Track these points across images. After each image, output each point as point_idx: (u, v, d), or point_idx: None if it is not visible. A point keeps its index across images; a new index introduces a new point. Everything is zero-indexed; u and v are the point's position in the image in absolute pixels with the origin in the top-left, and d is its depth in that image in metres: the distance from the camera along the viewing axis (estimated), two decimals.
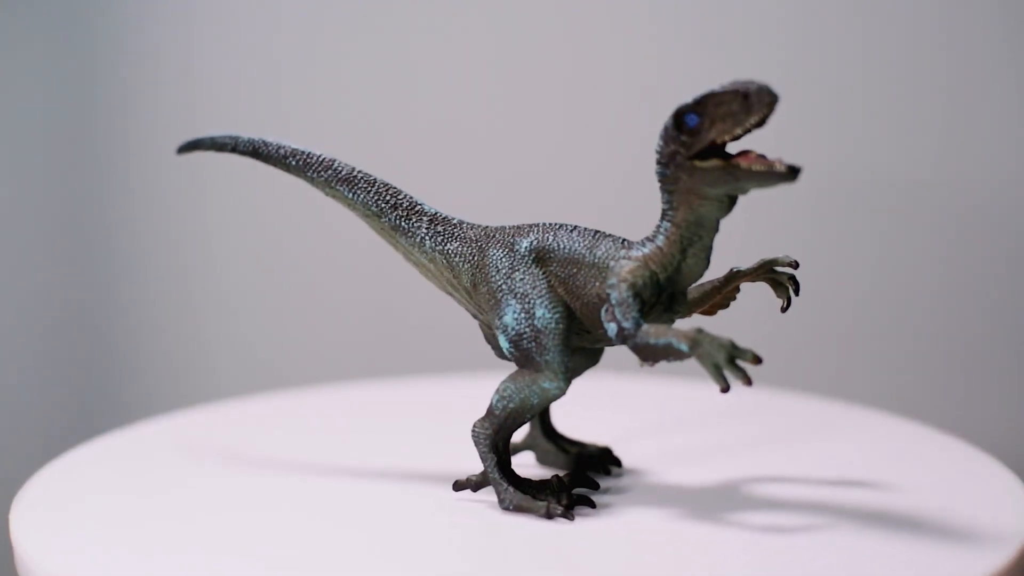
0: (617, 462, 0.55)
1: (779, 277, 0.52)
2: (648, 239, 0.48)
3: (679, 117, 0.46)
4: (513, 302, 0.48)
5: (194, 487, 0.54)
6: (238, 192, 0.98)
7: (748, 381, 0.44)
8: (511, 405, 0.48)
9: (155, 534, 0.47)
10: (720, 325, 0.56)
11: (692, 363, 0.47)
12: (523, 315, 0.48)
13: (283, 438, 0.63)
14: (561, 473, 0.53)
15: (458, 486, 0.51)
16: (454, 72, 0.95)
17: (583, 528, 0.47)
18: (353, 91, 0.96)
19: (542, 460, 0.55)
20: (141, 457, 0.60)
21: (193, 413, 0.68)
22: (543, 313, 0.47)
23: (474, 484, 0.50)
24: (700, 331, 0.44)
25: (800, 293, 0.52)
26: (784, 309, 0.52)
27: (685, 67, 0.90)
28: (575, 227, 0.49)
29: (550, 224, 0.49)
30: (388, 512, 0.50)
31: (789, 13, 0.88)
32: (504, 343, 0.48)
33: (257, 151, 0.52)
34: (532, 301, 0.48)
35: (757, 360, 0.44)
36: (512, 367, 0.55)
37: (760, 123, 0.45)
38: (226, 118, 0.98)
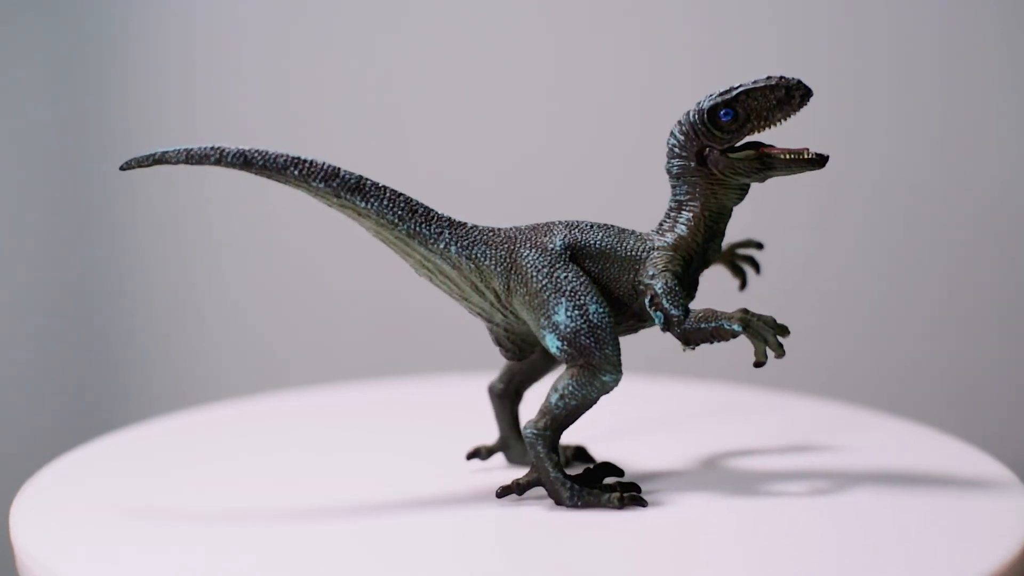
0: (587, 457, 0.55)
1: (737, 260, 0.56)
2: (665, 229, 0.50)
3: (713, 112, 0.48)
4: (564, 300, 0.48)
5: (195, 488, 0.54)
6: (239, 192, 0.98)
7: (783, 353, 0.48)
8: (573, 403, 0.48)
9: (155, 534, 0.47)
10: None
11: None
12: (576, 312, 0.48)
13: (284, 438, 0.63)
14: (577, 468, 0.54)
15: (504, 491, 0.49)
16: (448, 73, 0.95)
17: (623, 519, 0.47)
18: (347, 92, 0.96)
19: (516, 460, 0.55)
20: (142, 457, 0.60)
21: (193, 413, 0.68)
22: (596, 308, 0.48)
23: (521, 487, 0.49)
24: (746, 311, 0.48)
25: (762, 272, 0.57)
26: (741, 288, 0.57)
27: (674, 67, 0.90)
28: (591, 223, 0.50)
29: (568, 222, 0.50)
30: (402, 512, 0.50)
31: (788, 9, 0.88)
32: (554, 342, 0.48)
33: (249, 162, 0.47)
34: (582, 297, 0.48)
35: (788, 332, 0.48)
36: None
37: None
38: (227, 116, 0.98)
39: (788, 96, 0.48)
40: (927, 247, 0.89)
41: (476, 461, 0.55)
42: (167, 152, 0.47)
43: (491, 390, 0.55)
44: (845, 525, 0.47)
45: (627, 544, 0.46)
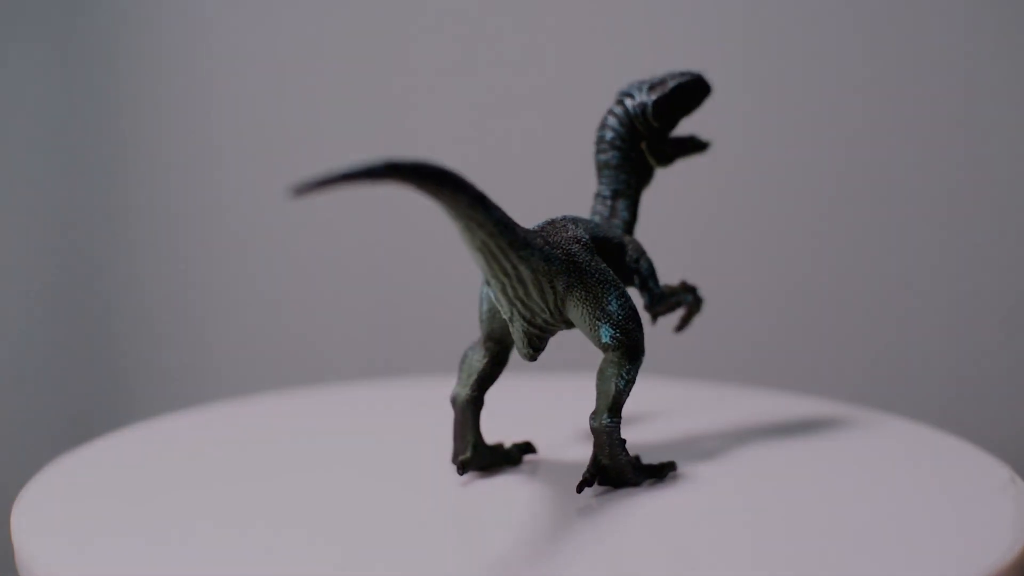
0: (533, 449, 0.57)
1: None
2: (607, 216, 0.54)
3: (657, 107, 0.54)
4: (612, 290, 0.49)
5: (194, 488, 0.54)
6: (239, 194, 0.98)
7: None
8: (631, 387, 0.50)
9: (155, 535, 0.47)
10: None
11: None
12: (623, 300, 0.49)
13: (284, 438, 0.63)
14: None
15: (582, 486, 0.50)
16: (442, 73, 0.95)
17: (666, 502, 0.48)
18: (343, 90, 0.97)
19: (480, 464, 0.54)
20: (142, 458, 0.60)
21: (193, 413, 0.68)
22: (627, 294, 0.50)
23: (593, 476, 0.50)
24: (686, 283, 0.56)
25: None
26: None
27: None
28: (576, 216, 0.51)
29: (567, 217, 0.51)
30: (403, 509, 0.50)
31: (790, 11, 0.88)
32: (608, 331, 0.49)
33: (422, 175, 0.42)
34: (620, 285, 0.50)
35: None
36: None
37: None
38: (227, 115, 0.98)
39: (702, 91, 0.55)
40: (928, 248, 0.89)
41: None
42: (349, 172, 0.39)
43: (460, 399, 0.54)
44: (845, 523, 0.47)
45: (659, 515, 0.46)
